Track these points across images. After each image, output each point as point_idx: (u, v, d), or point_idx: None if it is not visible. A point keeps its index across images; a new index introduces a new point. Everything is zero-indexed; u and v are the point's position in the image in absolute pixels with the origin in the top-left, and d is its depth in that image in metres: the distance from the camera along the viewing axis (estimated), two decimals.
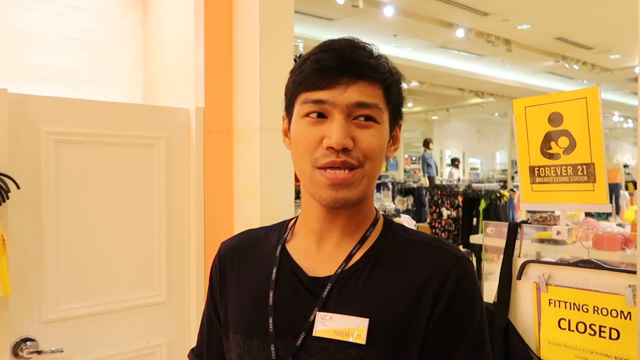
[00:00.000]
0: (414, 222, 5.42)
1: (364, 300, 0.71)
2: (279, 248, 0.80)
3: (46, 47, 2.77)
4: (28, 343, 1.74)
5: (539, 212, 3.07)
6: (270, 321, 0.74)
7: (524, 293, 1.38)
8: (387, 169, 13.17)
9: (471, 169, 17.35)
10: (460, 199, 7.41)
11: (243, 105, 2.09)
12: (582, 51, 8.62)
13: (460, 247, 6.38)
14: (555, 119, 1.33)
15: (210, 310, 0.86)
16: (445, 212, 7.73)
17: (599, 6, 6.25)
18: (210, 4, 2.15)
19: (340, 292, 0.73)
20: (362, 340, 0.68)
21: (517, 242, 1.42)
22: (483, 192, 7.38)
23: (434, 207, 7.75)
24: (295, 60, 2.17)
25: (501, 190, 7.50)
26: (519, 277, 1.39)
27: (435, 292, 0.70)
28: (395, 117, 0.78)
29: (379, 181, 8.75)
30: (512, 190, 7.79)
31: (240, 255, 0.85)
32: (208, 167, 2.11)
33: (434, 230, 7.06)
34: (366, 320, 0.69)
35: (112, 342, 1.91)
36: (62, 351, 1.78)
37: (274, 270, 0.78)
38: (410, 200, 9.96)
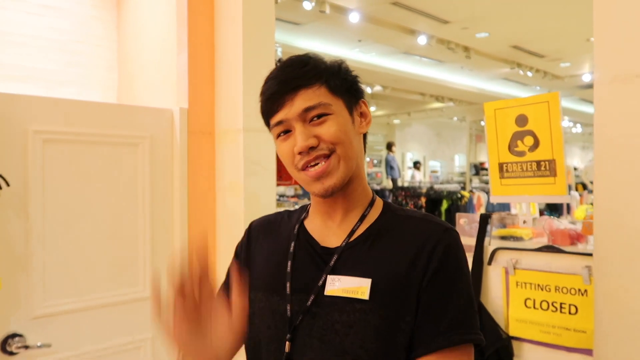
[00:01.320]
0: None
1: (366, 265, 0.83)
2: (297, 225, 0.94)
3: (19, 47, 2.76)
4: (16, 338, 1.75)
5: (497, 211, 3.27)
6: (288, 284, 0.86)
7: (494, 277, 1.53)
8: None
9: (431, 171, 17.81)
10: (423, 199, 7.67)
11: (226, 106, 2.17)
12: (535, 59, 9.08)
13: None
14: (521, 120, 1.49)
15: (234, 268, 0.96)
16: None
17: (551, 17, 6.63)
18: (193, 7, 2.22)
19: (346, 260, 0.85)
20: (365, 296, 0.80)
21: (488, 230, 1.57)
22: (445, 193, 7.66)
23: None
24: (276, 64, 2.27)
25: (462, 191, 7.81)
26: (489, 263, 1.54)
27: (427, 257, 0.82)
28: (351, 98, 0.89)
29: None
30: (471, 191, 8.10)
31: (266, 230, 0.99)
32: (191, 166, 2.18)
33: None
34: (369, 280, 0.81)
35: (99, 337, 1.95)
36: (49, 346, 1.80)
37: (293, 243, 0.91)
38: None
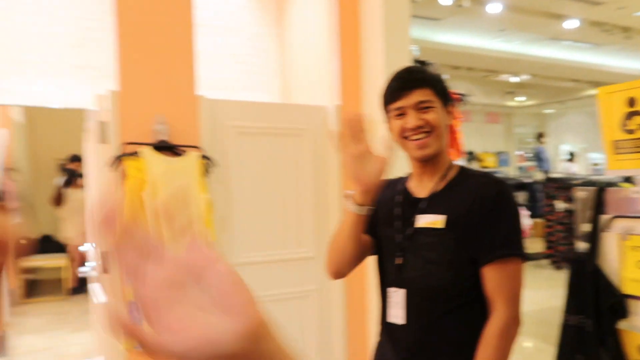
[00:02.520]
0: (529, 212, 5.54)
1: (442, 207, 1.24)
2: (401, 184, 1.37)
3: (211, 62, 3.50)
4: None
5: None
6: (395, 222, 1.30)
7: (610, 242, 1.72)
8: (499, 165, 12.97)
9: (592, 164, 16.30)
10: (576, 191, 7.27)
11: (372, 101, 2.60)
12: None
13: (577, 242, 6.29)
14: (631, 102, 1.66)
15: None
16: (560, 205, 7.55)
17: None
18: (342, 20, 2.69)
19: (430, 204, 1.27)
20: (441, 226, 1.21)
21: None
22: (603, 184, 7.16)
23: (548, 201, 7.59)
24: (413, 63, 2.64)
25: (621, 183, 7.23)
26: (605, 230, 1.73)
27: (482, 200, 1.20)
28: (445, 100, 1.28)
29: None
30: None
31: (386, 187, 1.41)
32: None
33: (548, 223, 7.03)
34: (444, 216, 1.22)
35: (277, 284, 2.52)
36: None
37: (398, 195, 1.35)
38: (523, 195, 9.85)
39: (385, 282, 1.32)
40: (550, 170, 10.19)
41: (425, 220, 1.24)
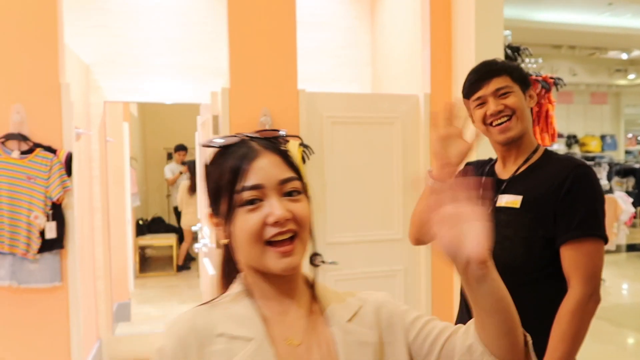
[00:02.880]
0: (631, 199, 5.20)
1: (521, 189, 1.33)
2: (488, 166, 1.47)
3: (306, 57, 3.72)
4: (317, 256, 2.62)
5: None
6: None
7: None
8: (603, 149, 12.07)
9: None
10: None
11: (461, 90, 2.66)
12: None
13: None
14: None
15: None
16: None
17: None
18: (434, 10, 2.76)
19: (511, 185, 1.36)
20: (518, 205, 1.31)
21: None
22: None
23: None
24: (505, 50, 2.66)
25: None
26: None
27: (562, 182, 1.26)
28: (524, 85, 1.36)
29: (592, 161, 8.30)
30: None
31: (475, 167, 1.53)
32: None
33: None
34: (520, 196, 1.31)
35: (366, 263, 2.71)
36: (337, 263, 2.63)
37: (486, 175, 1.45)
38: (631, 182, 9.14)
39: None
40: None
41: (504, 200, 1.34)
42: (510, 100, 1.32)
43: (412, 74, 3.00)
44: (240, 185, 0.71)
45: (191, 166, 6.11)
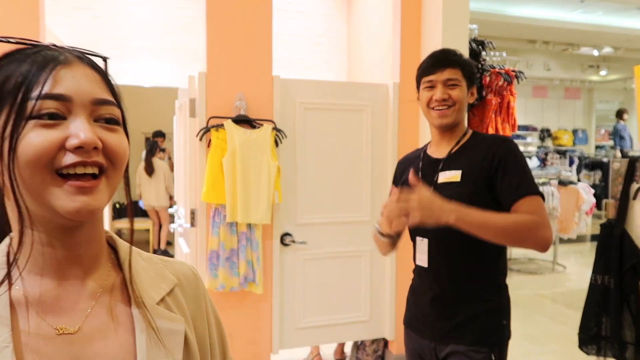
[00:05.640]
0: (593, 190, 5.44)
1: (458, 165, 1.48)
2: (423, 151, 1.63)
3: (284, 43, 3.83)
4: (287, 236, 2.76)
5: None
6: (421, 182, 1.54)
7: (637, 210, 1.86)
8: (574, 143, 12.44)
9: None
10: None
11: None
12: None
13: None
14: None
15: (393, 190, 1.69)
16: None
17: None
18: (405, 4, 2.89)
19: (448, 163, 1.51)
20: (458, 179, 1.46)
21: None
22: None
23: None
24: (470, 43, 2.81)
25: None
26: (634, 198, 1.87)
27: (493, 155, 1.43)
28: (470, 82, 1.52)
29: (563, 155, 8.60)
30: None
31: (406, 161, 1.69)
32: (401, 126, 2.90)
33: None
34: (459, 171, 1.46)
35: (334, 243, 2.85)
36: (305, 243, 2.77)
37: (420, 161, 1.60)
38: (598, 175, 9.48)
39: (414, 233, 1.59)
40: (630, 149, 9.69)
41: (444, 177, 1.49)
42: (455, 92, 1.48)
43: (383, 64, 3.13)
44: (37, 90, 0.53)
45: (152, 145, 6.21)
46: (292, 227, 2.78)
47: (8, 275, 0.55)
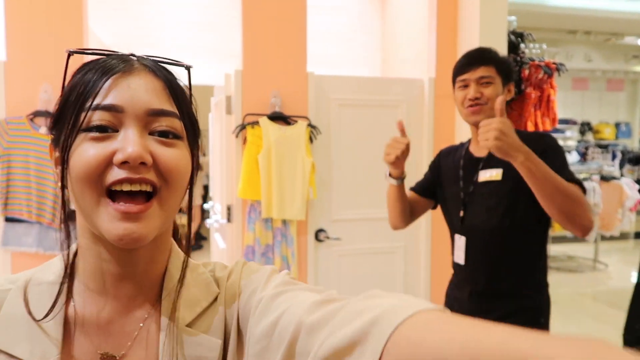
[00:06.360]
0: (637, 186, 5.24)
1: (499, 163, 1.46)
2: (464, 148, 1.62)
3: (318, 40, 3.83)
4: (322, 232, 2.78)
5: None
6: (460, 182, 1.54)
7: None
8: (617, 137, 12.00)
9: None
10: None
11: None
12: None
13: None
14: None
15: (428, 175, 1.73)
16: None
17: None
18: None
19: (488, 162, 1.50)
20: (500, 178, 1.46)
21: None
22: None
23: None
24: (509, 35, 2.74)
25: None
26: None
27: (535, 150, 1.34)
28: (505, 80, 1.51)
29: (605, 149, 8.30)
30: None
31: (448, 153, 1.68)
32: (437, 121, 2.87)
33: None
34: (500, 169, 1.47)
35: (369, 239, 2.85)
36: (340, 239, 2.78)
37: (461, 158, 1.59)
38: None
39: (453, 230, 1.59)
40: None
41: (485, 176, 1.48)
42: (488, 90, 1.46)
43: (419, 59, 3.09)
44: (90, 101, 0.50)
45: None
46: (327, 223, 2.79)
47: (67, 291, 0.54)
